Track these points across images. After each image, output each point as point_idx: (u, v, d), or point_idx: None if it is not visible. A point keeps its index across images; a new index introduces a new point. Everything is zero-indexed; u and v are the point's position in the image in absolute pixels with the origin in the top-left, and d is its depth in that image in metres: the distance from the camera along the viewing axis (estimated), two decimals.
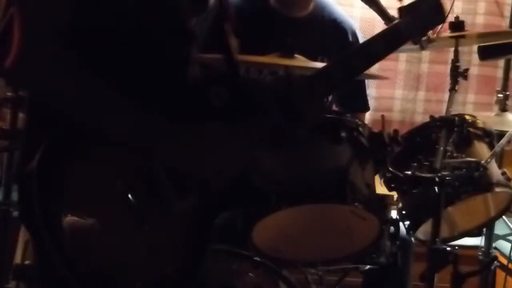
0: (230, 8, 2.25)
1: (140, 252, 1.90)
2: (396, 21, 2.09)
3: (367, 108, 3.66)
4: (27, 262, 2.89)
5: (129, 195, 1.85)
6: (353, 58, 2.10)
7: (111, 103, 1.82)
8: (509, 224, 4.12)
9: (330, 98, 3.50)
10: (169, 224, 1.95)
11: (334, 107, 3.55)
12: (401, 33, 2.07)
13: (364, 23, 3.98)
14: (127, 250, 1.88)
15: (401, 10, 2.08)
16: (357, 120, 2.58)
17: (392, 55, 3.92)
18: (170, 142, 1.89)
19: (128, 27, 1.87)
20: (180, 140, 1.90)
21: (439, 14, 2.10)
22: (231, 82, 2.09)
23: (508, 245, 3.87)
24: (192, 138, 1.91)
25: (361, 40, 3.52)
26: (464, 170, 2.67)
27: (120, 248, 1.86)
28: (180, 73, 2.03)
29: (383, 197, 2.53)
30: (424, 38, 2.15)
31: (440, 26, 2.33)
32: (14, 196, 3.30)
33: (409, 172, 2.61)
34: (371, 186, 2.52)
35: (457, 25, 3.02)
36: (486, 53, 3.21)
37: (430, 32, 2.15)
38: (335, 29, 3.48)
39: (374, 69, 3.94)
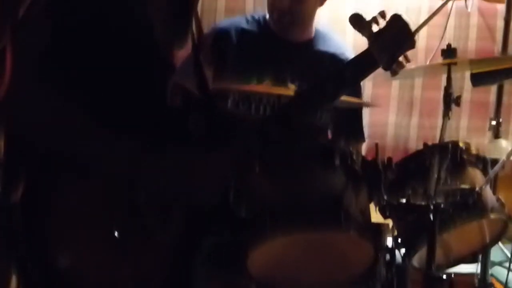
0: (204, 39, 2.25)
1: (126, 283, 1.90)
2: (367, 48, 2.10)
3: (363, 139, 3.69)
4: None
5: (113, 226, 1.85)
6: (327, 84, 2.10)
7: (93, 133, 1.83)
8: (505, 250, 4.13)
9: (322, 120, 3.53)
10: (153, 253, 1.95)
11: (329, 135, 3.57)
12: (373, 59, 2.08)
13: (357, 50, 4.00)
14: (112, 281, 1.88)
15: (371, 36, 2.09)
16: (350, 147, 2.60)
17: (384, 82, 3.97)
18: (151, 170, 1.89)
19: (108, 58, 1.87)
20: (160, 167, 1.90)
21: (408, 39, 2.10)
22: (208, 110, 2.10)
23: (504, 271, 3.87)
24: (172, 165, 1.91)
25: None
26: (458, 196, 2.69)
27: (105, 280, 1.86)
28: (159, 103, 2.03)
29: (378, 224, 2.54)
30: (394, 65, 2.11)
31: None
32: None
33: (404, 200, 2.63)
34: (366, 214, 2.54)
35: (449, 52, 3.05)
36: (478, 80, 3.24)
37: (402, 58, 2.14)
38: (333, 58, 3.53)
39: (367, 95, 3.98)
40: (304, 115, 2.14)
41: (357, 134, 3.66)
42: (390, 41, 2.08)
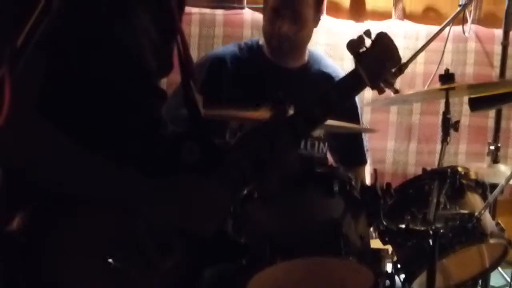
0: (194, 66, 2.25)
1: None
2: (354, 68, 2.11)
3: (365, 162, 3.70)
4: None
5: (113, 259, 1.84)
6: (314, 107, 2.12)
7: (89, 166, 1.81)
8: (504, 275, 4.14)
9: (324, 152, 3.54)
10: (154, 283, 1.93)
11: (329, 161, 3.59)
12: (360, 79, 2.10)
13: None
14: None
15: (357, 56, 2.11)
16: (349, 173, 2.61)
17: (383, 107, 3.99)
18: (148, 199, 1.88)
19: (98, 90, 1.86)
20: (157, 196, 1.89)
21: (394, 56, 2.12)
22: (201, 138, 2.09)
23: None
24: (168, 194, 1.90)
25: None
26: (457, 221, 2.69)
27: None
28: (152, 132, 2.03)
29: (378, 250, 2.55)
30: (382, 83, 2.14)
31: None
32: None
33: (403, 225, 2.63)
34: (365, 239, 2.55)
35: (447, 77, 3.06)
36: (476, 105, 3.25)
37: (392, 78, 2.16)
38: (328, 81, 3.54)
39: (365, 121, 4.00)
40: (294, 139, 2.14)
41: (359, 156, 3.67)
42: (376, 59, 2.10)
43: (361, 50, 2.11)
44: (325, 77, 3.56)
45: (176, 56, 2.13)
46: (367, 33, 2.12)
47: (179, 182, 1.93)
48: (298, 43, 3.48)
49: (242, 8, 4.15)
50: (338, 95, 2.13)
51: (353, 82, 2.12)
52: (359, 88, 2.15)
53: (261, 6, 3.97)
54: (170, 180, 1.92)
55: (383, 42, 2.10)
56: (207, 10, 4.08)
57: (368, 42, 2.13)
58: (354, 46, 2.12)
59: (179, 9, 2.12)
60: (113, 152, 1.85)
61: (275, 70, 3.50)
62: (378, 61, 2.10)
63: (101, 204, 1.83)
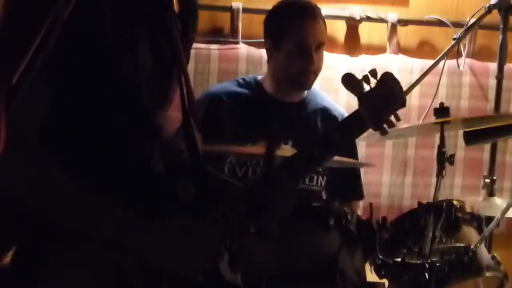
0: (197, 104, 2.24)
1: None
2: (357, 109, 2.06)
3: (362, 196, 3.71)
4: None
5: None
6: (315, 148, 2.06)
7: (83, 202, 1.80)
8: None
9: (322, 185, 3.55)
10: None
11: (324, 195, 3.59)
12: (363, 120, 2.05)
13: (349, 109, 4.04)
14: None
15: (361, 96, 2.06)
16: (345, 208, 2.62)
17: (378, 142, 4.00)
18: (137, 239, 1.85)
19: (93, 124, 1.85)
20: (146, 237, 1.86)
21: (399, 98, 2.08)
22: (197, 176, 2.05)
23: None
24: (160, 233, 1.87)
25: None
26: (453, 255, 2.71)
27: None
28: (146, 168, 1.99)
29: (374, 284, 2.55)
30: (385, 124, 2.08)
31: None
32: None
33: (399, 259, 2.64)
34: (361, 274, 2.55)
35: (442, 111, 3.08)
36: (471, 138, 3.27)
37: (393, 118, 2.08)
38: (326, 115, 3.56)
39: (361, 155, 4.00)
40: (294, 180, 2.12)
41: (357, 192, 3.68)
42: (381, 100, 2.05)
43: (365, 90, 2.07)
44: (321, 110, 3.58)
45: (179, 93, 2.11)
46: (373, 72, 2.07)
47: (170, 223, 1.89)
48: (314, 78, 3.50)
49: (237, 43, 4.17)
50: (341, 136, 2.08)
51: (356, 123, 2.08)
52: (362, 129, 2.09)
53: (256, 40, 4.01)
54: (161, 221, 1.88)
55: (388, 83, 2.06)
56: (202, 45, 4.09)
57: (372, 81, 2.08)
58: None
59: (185, 48, 2.12)
60: (105, 189, 1.83)
61: (276, 106, 3.51)
62: (382, 102, 2.06)
63: (91, 240, 1.81)
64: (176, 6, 2.03)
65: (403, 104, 2.09)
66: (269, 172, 2.09)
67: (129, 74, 1.86)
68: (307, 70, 3.45)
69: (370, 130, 2.09)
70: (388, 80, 2.07)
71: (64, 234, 1.79)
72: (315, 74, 3.48)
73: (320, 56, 3.46)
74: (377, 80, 2.07)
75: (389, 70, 2.09)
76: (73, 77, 1.77)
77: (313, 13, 3.46)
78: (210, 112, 3.44)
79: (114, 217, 1.84)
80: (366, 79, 2.06)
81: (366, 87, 2.06)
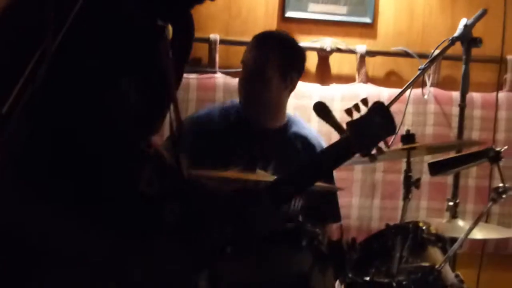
0: (182, 130, 2.21)
1: None
2: (346, 135, 2.03)
3: (339, 219, 3.70)
4: None
5: None
6: (303, 173, 2.05)
7: (68, 226, 1.77)
8: None
9: (299, 208, 3.54)
10: None
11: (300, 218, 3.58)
12: (350, 147, 2.02)
13: (320, 135, 4.08)
14: None
15: (350, 124, 2.03)
16: (317, 229, 2.63)
17: (348, 166, 4.01)
18: (124, 259, 1.83)
19: (79, 153, 1.81)
20: (132, 257, 1.84)
21: (391, 126, 2.05)
22: (183, 199, 2.05)
23: None
24: (144, 256, 1.85)
25: None
26: (419, 274, 2.71)
27: None
28: (134, 193, 1.97)
29: None
30: (373, 151, 2.04)
31: (393, 138, 2.29)
32: None
33: (368, 278, 2.64)
34: None
35: (408, 137, 3.10)
36: (435, 169, 3.28)
37: (382, 144, 2.05)
38: (306, 143, 3.57)
39: None
40: (279, 205, 2.10)
41: (334, 214, 3.67)
42: (373, 128, 2.03)
43: (354, 118, 2.04)
44: (303, 138, 3.58)
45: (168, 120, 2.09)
46: (364, 101, 2.06)
47: (153, 246, 1.88)
48: (264, 104, 3.49)
49: (215, 72, 4.19)
50: (328, 162, 2.08)
51: (343, 150, 2.04)
52: (349, 156, 2.06)
53: (233, 70, 4.02)
54: (145, 242, 1.87)
55: (382, 111, 2.05)
56: None
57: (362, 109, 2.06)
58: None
59: (177, 74, 2.12)
60: (93, 211, 1.82)
61: (251, 131, 3.51)
62: (374, 129, 2.03)
63: (76, 262, 1.80)
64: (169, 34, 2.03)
65: (393, 132, 2.08)
66: (255, 197, 2.07)
67: (113, 106, 1.84)
68: (240, 93, 3.51)
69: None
70: (380, 108, 2.06)
71: (47, 255, 1.77)
72: (250, 99, 3.49)
73: (261, 86, 3.44)
74: (369, 108, 2.05)
75: (358, 98, 2.08)
76: (58, 108, 1.74)
77: (262, 42, 3.49)
78: (192, 135, 3.43)
79: (99, 240, 1.81)
80: (356, 107, 2.05)
81: (356, 115, 2.04)
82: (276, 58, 3.43)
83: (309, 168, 2.07)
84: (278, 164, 3.21)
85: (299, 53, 3.57)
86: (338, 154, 2.07)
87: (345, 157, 2.06)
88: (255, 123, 3.52)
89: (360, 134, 2.03)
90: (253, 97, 3.47)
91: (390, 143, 2.65)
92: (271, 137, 3.52)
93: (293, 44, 3.57)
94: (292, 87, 3.54)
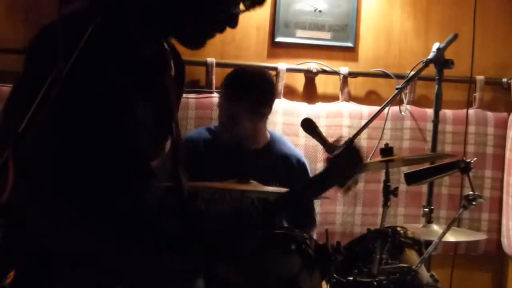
0: (182, 148, 2.20)
1: None
2: (326, 168, 2.11)
3: (315, 225, 3.70)
4: None
5: None
6: (286, 203, 2.07)
7: (85, 234, 1.76)
8: None
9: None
10: None
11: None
12: (330, 179, 2.09)
13: (308, 150, 4.08)
14: None
15: (328, 160, 2.12)
16: (304, 234, 2.63)
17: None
18: (132, 266, 1.81)
19: (94, 172, 1.79)
20: (134, 268, 1.81)
21: (360, 164, 2.13)
22: (182, 214, 2.03)
23: None
24: (145, 269, 1.81)
25: (308, 166, 3.62)
26: (398, 274, 2.72)
27: None
28: (141, 209, 1.93)
29: None
30: (349, 182, 2.17)
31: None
32: None
33: (351, 278, 2.65)
34: None
35: (387, 151, 3.11)
36: (411, 179, 3.29)
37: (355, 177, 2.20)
38: (286, 162, 3.56)
39: None
40: (267, 223, 2.10)
41: (311, 221, 3.67)
42: (347, 164, 2.10)
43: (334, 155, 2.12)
44: (283, 157, 3.57)
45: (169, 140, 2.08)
46: (338, 139, 2.22)
47: (152, 260, 1.84)
48: (236, 137, 3.48)
49: (212, 92, 4.18)
50: (308, 193, 2.15)
51: (323, 182, 2.11)
52: (329, 186, 2.13)
53: None
54: (145, 256, 1.84)
55: (354, 150, 2.12)
56: None
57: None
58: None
59: (177, 98, 2.12)
60: (103, 222, 1.79)
61: (237, 152, 3.49)
62: (349, 165, 2.11)
63: (88, 266, 1.78)
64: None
65: (362, 167, 2.20)
66: (246, 218, 2.07)
67: (129, 127, 1.82)
68: (223, 132, 3.52)
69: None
70: (354, 148, 2.12)
71: (61, 260, 1.76)
72: (224, 132, 3.50)
73: (232, 122, 3.44)
74: (343, 147, 2.13)
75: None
76: (77, 129, 1.73)
77: (232, 84, 3.48)
78: (186, 153, 3.42)
79: (111, 247, 1.79)
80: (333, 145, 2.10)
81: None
82: (247, 103, 3.41)
83: (292, 198, 2.08)
84: (260, 181, 3.18)
85: (270, 90, 3.55)
86: (318, 186, 2.12)
87: (326, 187, 2.12)
88: (237, 147, 3.51)
89: (338, 168, 2.09)
90: (230, 135, 3.47)
91: (370, 157, 2.68)
92: (256, 156, 3.51)
93: (263, 81, 3.53)
94: (267, 117, 3.55)
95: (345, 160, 2.09)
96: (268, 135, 3.61)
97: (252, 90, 3.43)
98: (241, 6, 1.84)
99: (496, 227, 4.39)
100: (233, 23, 1.85)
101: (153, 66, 1.91)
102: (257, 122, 3.49)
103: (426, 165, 3.51)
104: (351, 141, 2.17)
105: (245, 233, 2.01)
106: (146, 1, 1.81)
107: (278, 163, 3.53)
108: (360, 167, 2.16)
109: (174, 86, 2.03)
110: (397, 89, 3.77)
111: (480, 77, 4.38)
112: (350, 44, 4.36)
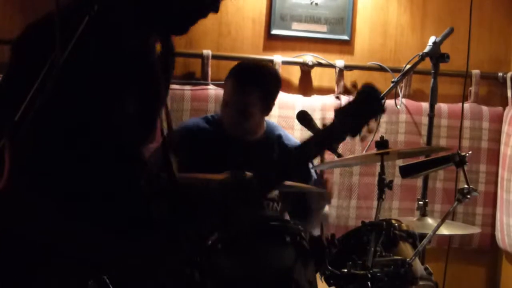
0: (175, 137, 2.18)
1: None
2: (332, 121, 1.97)
3: (311, 178, 3.62)
4: None
5: None
6: (290, 158, 1.98)
7: (69, 222, 1.75)
8: None
9: (278, 211, 3.53)
10: None
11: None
12: (337, 132, 1.97)
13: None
14: None
15: (336, 111, 1.99)
16: (299, 226, 2.64)
17: (327, 170, 4.02)
18: (115, 257, 1.79)
19: (84, 160, 1.79)
20: (123, 255, 1.80)
21: (377, 107, 2.00)
22: (171, 196, 2.01)
23: None
24: (133, 254, 1.81)
25: None
26: (392, 267, 2.73)
27: None
28: (130, 197, 1.93)
29: None
30: (365, 130, 1.98)
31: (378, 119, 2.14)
32: None
33: (345, 270, 2.66)
34: (313, 283, 2.56)
35: (382, 144, 3.11)
36: (406, 172, 3.30)
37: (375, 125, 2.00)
38: (280, 142, 3.57)
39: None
40: (265, 192, 2.03)
41: (307, 175, 3.58)
42: (359, 110, 1.97)
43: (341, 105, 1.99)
44: (278, 138, 3.59)
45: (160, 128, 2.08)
46: (354, 85, 2.04)
47: (141, 243, 1.83)
48: (244, 130, 3.50)
49: (207, 84, 4.18)
50: (315, 147, 1.99)
51: (330, 135, 1.99)
52: (331, 140, 2.03)
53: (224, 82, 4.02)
54: (134, 240, 1.83)
55: (370, 91, 2.00)
56: (176, 87, 4.10)
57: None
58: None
59: (166, 84, 2.11)
60: (90, 211, 1.79)
61: (236, 143, 3.50)
62: (359, 112, 1.97)
63: (67, 257, 1.76)
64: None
65: (381, 112, 2.02)
66: (242, 185, 1.98)
67: (116, 117, 1.83)
68: (223, 118, 3.52)
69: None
70: (367, 92, 2.01)
71: (40, 250, 1.74)
72: (230, 126, 3.49)
73: (241, 115, 3.44)
74: (357, 91, 2.01)
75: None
76: (66, 118, 1.74)
77: (243, 77, 3.48)
78: (182, 142, 3.42)
79: (92, 236, 1.78)
80: (347, 91, 1.99)
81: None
82: (257, 97, 3.43)
83: (298, 152, 1.99)
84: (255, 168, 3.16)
85: (277, 82, 3.57)
86: (324, 138, 2.02)
87: (328, 141, 2.03)
88: (237, 138, 3.52)
89: (346, 118, 1.97)
90: (235, 128, 3.48)
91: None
92: (253, 147, 3.50)
93: (272, 74, 3.58)
94: (270, 110, 3.56)
95: (358, 105, 1.99)
96: (265, 125, 3.62)
97: (264, 83, 3.46)
98: None
99: (490, 221, 4.41)
100: (215, 7, 1.86)
101: (140, 55, 1.91)
102: (266, 114, 3.53)
103: (421, 159, 3.52)
104: (367, 84, 2.01)
105: (247, 197, 1.94)
106: None
107: (275, 146, 3.54)
108: (378, 110, 2.00)
109: (162, 73, 2.03)
110: (392, 82, 3.78)
111: (475, 71, 4.39)
112: (346, 37, 4.36)
